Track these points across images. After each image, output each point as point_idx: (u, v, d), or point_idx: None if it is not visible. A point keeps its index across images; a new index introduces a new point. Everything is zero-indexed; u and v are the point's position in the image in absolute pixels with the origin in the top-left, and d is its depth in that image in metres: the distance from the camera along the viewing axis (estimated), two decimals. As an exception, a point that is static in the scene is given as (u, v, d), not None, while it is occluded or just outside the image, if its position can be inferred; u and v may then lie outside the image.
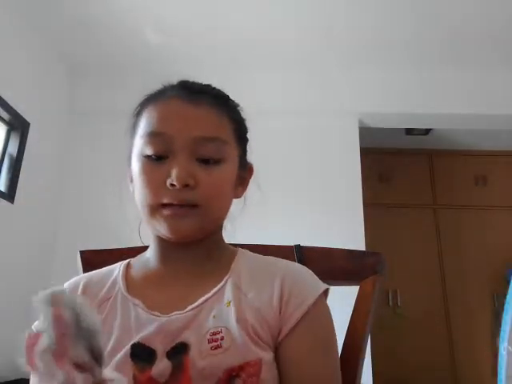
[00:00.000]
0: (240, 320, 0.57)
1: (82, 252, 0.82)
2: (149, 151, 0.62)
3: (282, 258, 0.71)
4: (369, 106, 2.84)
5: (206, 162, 0.61)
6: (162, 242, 0.65)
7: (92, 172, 2.76)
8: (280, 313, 0.59)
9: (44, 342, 0.33)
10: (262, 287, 0.61)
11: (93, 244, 0.88)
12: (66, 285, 0.68)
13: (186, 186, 0.59)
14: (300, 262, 0.77)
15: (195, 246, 0.64)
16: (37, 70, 2.55)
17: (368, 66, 2.82)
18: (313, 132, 2.77)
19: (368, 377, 2.30)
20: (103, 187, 2.68)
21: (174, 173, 0.59)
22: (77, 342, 0.33)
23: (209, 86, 0.69)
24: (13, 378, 2.12)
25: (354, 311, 0.76)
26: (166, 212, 0.60)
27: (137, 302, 0.62)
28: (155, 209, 0.60)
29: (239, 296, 0.60)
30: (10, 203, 2.27)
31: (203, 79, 0.72)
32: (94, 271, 0.70)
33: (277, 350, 0.59)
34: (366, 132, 2.93)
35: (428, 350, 3.14)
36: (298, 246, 0.80)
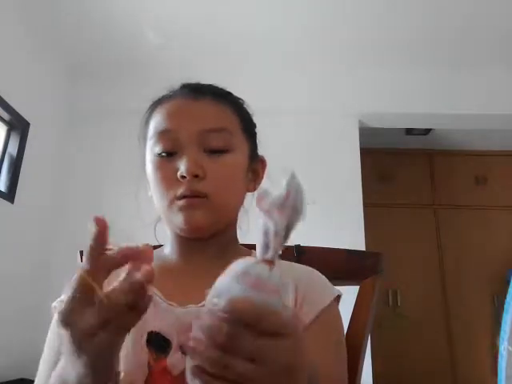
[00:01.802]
0: None
1: (82, 252, 0.82)
2: (158, 149, 0.64)
3: (283, 257, 0.71)
4: (369, 106, 2.84)
5: (213, 152, 0.64)
6: (180, 240, 0.68)
7: (92, 172, 2.76)
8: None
9: (274, 195, 0.39)
10: None
11: (93, 244, 0.88)
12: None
13: (196, 176, 0.61)
14: (300, 261, 0.77)
15: (210, 242, 0.66)
16: (37, 70, 2.55)
17: (368, 66, 2.82)
18: (313, 132, 2.77)
19: (368, 377, 2.30)
20: (103, 187, 2.69)
21: (183, 165, 0.61)
22: (286, 213, 0.39)
23: (211, 84, 0.71)
24: (13, 378, 2.12)
25: (353, 311, 0.77)
26: (180, 203, 0.62)
27: (155, 290, 0.63)
28: (171, 202, 0.63)
29: None
30: (9, 203, 2.27)
31: (202, 80, 0.72)
32: None
33: None
34: (365, 132, 2.93)
35: (428, 349, 3.14)
36: (297, 246, 0.80)
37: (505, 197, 3.45)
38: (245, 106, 0.73)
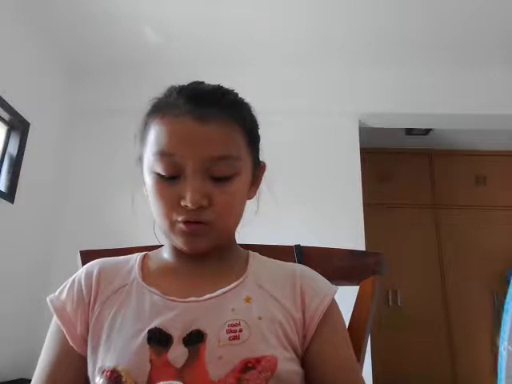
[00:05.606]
0: (264, 317, 0.60)
1: (82, 252, 0.82)
2: (160, 170, 0.61)
3: (283, 257, 0.72)
4: (369, 106, 2.84)
5: (219, 179, 0.61)
6: (178, 250, 0.67)
7: (92, 172, 2.76)
8: (303, 314, 0.62)
9: None
10: (285, 290, 0.64)
11: (93, 244, 0.88)
12: (82, 270, 0.68)
13: (201, 207, 0.60)
14: (300, 262, 0.77)
15: (211, 253, 0.66)
16: (37, 70, 2.55)
17: (368, 66, 2.82)
18: (313, 132, 2.77)
19: (368, 377, 2.30)
20: (103, 187, 2.69)
21: (187, 195, 0.59)
22: None
23: (218, 91, 0.65)
24: (13, 378, 2.12)
25: (353, 311, 0.77)
26: (182, 227, 0.61)
27: (153, 289, 0.63)
28: (173, 225, 0.62)
29: (263, 295, 0.63)
30: (9, 203, 2.27)
31: (201, 80, 0.70)
32: (109, 258, 0.71)
33: (307, 348, 0.62)
34: (366, 132, 2.93)
35: (428, 349, 3.14)
36: (298, 246, 0.80)
37: (505, 197, 3.45)
38: (252, 112, 0.69)
